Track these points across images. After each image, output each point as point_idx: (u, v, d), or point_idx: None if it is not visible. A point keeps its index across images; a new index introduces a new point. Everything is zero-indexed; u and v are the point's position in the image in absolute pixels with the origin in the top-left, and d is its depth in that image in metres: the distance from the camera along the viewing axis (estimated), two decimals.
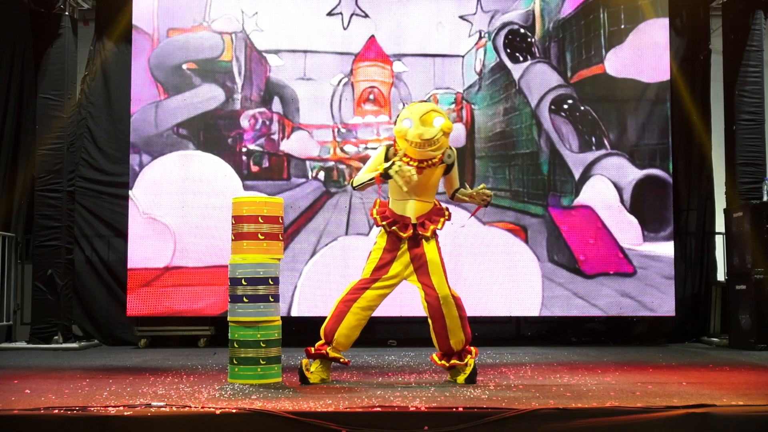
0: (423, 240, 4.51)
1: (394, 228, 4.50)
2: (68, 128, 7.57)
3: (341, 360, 4.54)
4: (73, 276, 7.58)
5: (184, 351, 6.89)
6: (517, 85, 7.65)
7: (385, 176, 4.41)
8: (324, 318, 4.54)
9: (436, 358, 4.62)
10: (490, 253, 7.44)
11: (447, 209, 4.65)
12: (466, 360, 4.51)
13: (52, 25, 7.50)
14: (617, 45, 7.69)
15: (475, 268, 7.39)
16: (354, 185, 4.62)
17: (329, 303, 4.59)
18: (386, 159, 4.54)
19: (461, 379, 4.49)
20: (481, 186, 4.66)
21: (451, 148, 4.62)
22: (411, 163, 4.47)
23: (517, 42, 7.69)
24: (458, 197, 4.73)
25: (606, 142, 7.62)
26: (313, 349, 4.49)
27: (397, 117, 4.55)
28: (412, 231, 4.49)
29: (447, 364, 4.55)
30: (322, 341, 4.49)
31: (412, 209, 4.53)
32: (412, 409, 3.45)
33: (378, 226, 4.59)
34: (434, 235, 4.57)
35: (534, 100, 7.63)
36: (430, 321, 4.51)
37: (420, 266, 4.49)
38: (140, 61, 7.56)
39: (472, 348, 4.58)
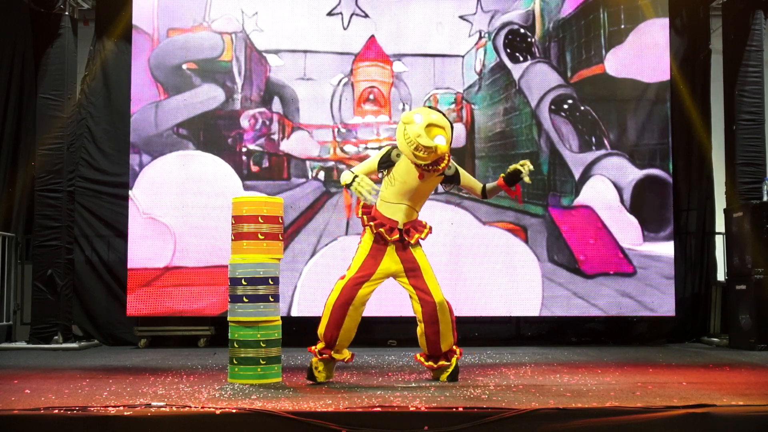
0: (409, 245, 4.53)
1: (381, 230, 4.49)
2: (68, 128, 7.57)
3: (345, 359, 4.58)
4: (73, 276, 7.57)
5: (184, 351, 6.88)
6: (517, 85, 7.64)
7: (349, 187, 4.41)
8: None
9: (422, 359, 4.70)
10: (490, 253, 7.44)
11: (427, 225, 4.66)
12: (452, 360, 4.60)
13: (52, 25, 7.51)
14: (617, 45, 7.68)
15: (475, 268, 7.39)
16: (342, 183, 4.55)
17: None
18: (389, 160, 4.50)
19: (444, 377, 4.58)
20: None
21: (451, 159, 4.60)
22: (420, 162, 4.41)
23: (517, 42, 7.68)
24: (491, 191, 4.72)
25: (606, 142, 7.61)
26: (317, 351, 4.49)
27: (409, 110, 4.49)
28: (398, 235, 4.51)
29: (435, 366, 4.63)
30: (323, 345, 4.49)
31: (401, 214, 4.53)
32: (412, 409, 3.45)
33: (364, 225, 4.58)
34: (418, 243, 4.61)
35: (534, 100, 7.63)
36: (422, 325, 4.55)
37: (413, 270, 4.52)
38: (140, 61, 7.56)
39: (456, 348, 4.65)
